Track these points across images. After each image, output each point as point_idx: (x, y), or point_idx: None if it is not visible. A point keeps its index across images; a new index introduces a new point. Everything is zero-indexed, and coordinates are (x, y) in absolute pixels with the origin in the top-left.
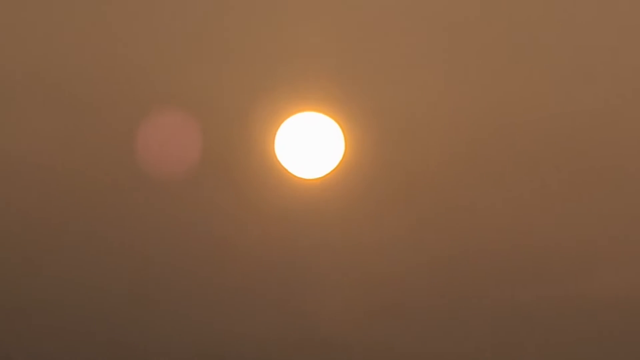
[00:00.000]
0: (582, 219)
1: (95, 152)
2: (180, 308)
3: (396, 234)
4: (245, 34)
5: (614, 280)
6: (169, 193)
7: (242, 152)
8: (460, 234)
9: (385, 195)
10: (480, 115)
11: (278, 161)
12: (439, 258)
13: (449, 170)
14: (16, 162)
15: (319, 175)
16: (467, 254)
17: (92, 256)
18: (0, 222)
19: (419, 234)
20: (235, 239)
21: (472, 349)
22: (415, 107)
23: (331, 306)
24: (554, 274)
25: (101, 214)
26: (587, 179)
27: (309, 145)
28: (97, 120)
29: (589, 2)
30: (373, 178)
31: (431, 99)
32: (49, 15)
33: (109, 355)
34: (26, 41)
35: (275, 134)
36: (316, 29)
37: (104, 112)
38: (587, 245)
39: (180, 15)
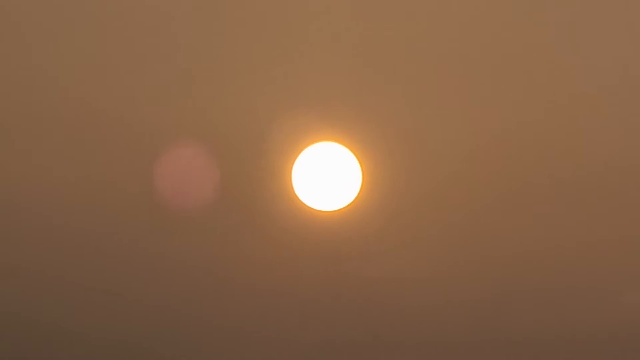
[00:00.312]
0: (596, 243)
1: (110, 190)
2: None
3: (416, 267)
4: (261, 65)
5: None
6: (187, 228)
7: (259, 184)
8: (481, 266)
9: (405, 227)
10: (496, 143)
11: (295, 194)
12: (459, 293)
13: (468, 200)
14: (32, 201)
15: (337, 208)
16: (488, 287)
17: (107, 298)
18: (16, 265)
19: (437, 269)
20: (254, 273)
21: None
22: (432, 137)
23: (350, 337)
24: (576, 302)
25: (119, 251)
26: (598, 207)
27: (327, 176)
28: (112, 158)
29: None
30: (391, 210)
31: (448, 129)
32: (61, 57)
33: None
34: (42, 82)
35: (292, 165)
36: (333, 59)
37: (118, 150)
38: (613, 269)
39: (195, 48)
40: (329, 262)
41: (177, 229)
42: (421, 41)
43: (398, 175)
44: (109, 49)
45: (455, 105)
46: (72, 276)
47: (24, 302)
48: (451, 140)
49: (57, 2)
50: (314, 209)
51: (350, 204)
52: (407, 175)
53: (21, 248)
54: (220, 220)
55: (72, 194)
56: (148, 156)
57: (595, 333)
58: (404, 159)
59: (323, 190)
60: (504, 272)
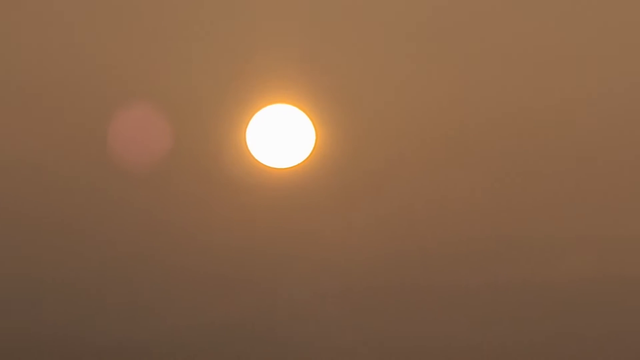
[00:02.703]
0: (542, 208)
1: (67, 148)
2: (153, 296)
3: (365, 224)
4: (216, 28)
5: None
6: (143, 186)
7: (214, 143)
8: (427, 225)
9: (355, 185)
10: (448, 111)
11: (249, 152)
12: (407, 247)
13: (417, 163)
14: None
15: (290, 165)
16: (434, 244)
17: (65, 246)
18: None
19: (387, 224)
20: (209, 227)
21: (440, 332)
22: (384, 101)
23: (295, 291)
24: (519, 259)
25: (76, 207)
26: (542, 171)
27: (281, 136)
28: (67, 117)
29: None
30: (343, 168)
31: (400, 94)
32: (19, 20)
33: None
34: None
35: (247, 125)
36: (289, 23)
37: (75, 110)
38: (551, 233)
39: (153, 13)
40: (282, 217)
41: (131, 188)
42: (380, 9)
43: (349, 135)
44: (68, 10)
45: (408, 72)
46: (23, 239)
47: None
48: (402, 103)
49: None
50: (267, 166)
51: (303, 162)
52: (358, 136)
53: None
54: (176, 179)
55: (26, 154)
56: (104, 117)
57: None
58: (356, 121)
59: (277, 149)
60: (456, 229)
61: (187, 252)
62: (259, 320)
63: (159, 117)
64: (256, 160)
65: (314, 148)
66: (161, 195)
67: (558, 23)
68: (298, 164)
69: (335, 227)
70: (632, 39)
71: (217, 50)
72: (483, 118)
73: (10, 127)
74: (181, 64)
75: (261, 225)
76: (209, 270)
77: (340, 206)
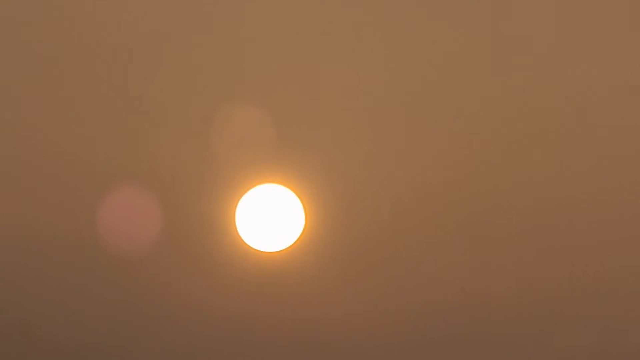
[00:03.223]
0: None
1: (54, 228)
2: None
3: (357, 307)
4: (206, 109)
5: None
6: (130, 269)
7: (202, 226)
8: (420, 307)
9: (346, 267)
10: (433, 190)
11: (239, 235)
12: (403, 330)
13: (408, 242)
14: None
15: (280, 249)
16: (428, 326)
17: (50, 328)
18: None
19: (380, 307)
20: (196, 313)
21: None
22: (373, 183)
23: None
24: (509, 336)
25: (61, 288)
26: (533, 244)
27: (270, 218)
28: (53, 198)
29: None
30: (334, 251)
31: (391, 173)
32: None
33: None
34: None
35: (236, 206)
36: (279, 104)
37: (59, 190)
38: (544, 310)
39: (140, 98)
40: (272, 301)
41: (118, 271)
42: (367, 85)
43: (340, 217)
44: (56, 91)
45: (397, 151)
46: (7, 313)
47: None
48: (390, 187)
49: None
50: (257, 250)
51: (292, 245)
52: (348, 218)
53: None
54: (163, 261)
55: (11, 230)
56: (91, 197)
57: None
58: (346, 203)
59: (266, 232)
60: (439, 314)
61: (171, 335)
62: None
63: (146, 200)
64: (246, 244)
65: (304, 228)
66: (147, 278)
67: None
68: (288, 247)
69: (329, 310)
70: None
71: (205, 132)
72: (467, 203)
73: None
74: (169, 145)
75: (249, 309)
76: (198, 351)
77: (332, 289)
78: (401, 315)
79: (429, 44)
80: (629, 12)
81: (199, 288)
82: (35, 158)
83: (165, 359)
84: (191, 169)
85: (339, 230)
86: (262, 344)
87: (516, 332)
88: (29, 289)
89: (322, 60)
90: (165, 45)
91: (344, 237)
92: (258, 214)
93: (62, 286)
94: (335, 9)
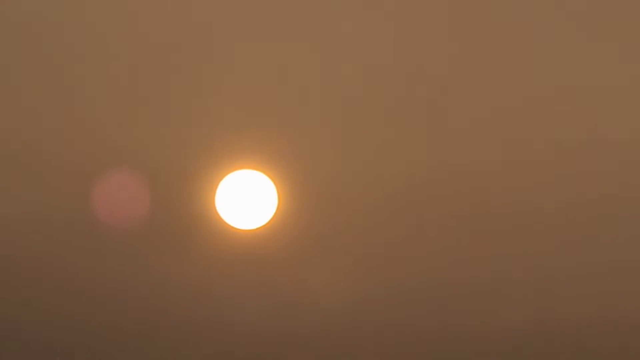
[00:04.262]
0: (487, 259)
1: (48, 212)
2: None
3: (324, 278)
4: (188, 103)
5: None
6: (120, 245)
7: (186, 206)
8: (384, 270)
9: (315, 242)
10: (400, 174)
11: (218, 214)
12: (366, 292)
13: (370, 220)
14: None
15: (255, 227)
16: (392, 289)
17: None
18: None
19: (344, 274)
20: (179, 282)
21: None
22: (340, 168)
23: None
24: (465, 304)
25: (57, 263)
26: (489, 226)
27: (246, 199)
28: (51, 183)
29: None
30: (303, 228)
31: (352, 160)
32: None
33: None
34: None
35: (216, 189)
36: (254, 100)
37: (57, 176)
38: (494, 282)
39: (129, 87)
40: (248, 272)
41: (110, 245)
42: (339, 78)
43: (308, 199)
44: (49, 86)
45: (360, 140)
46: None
47: None
48: (354, 168)
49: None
50: (235, 228)
51: (267, 223)
52: (317, 199)
53: None
54: (151, 237)
55: (16, 214)
56: (85, 182)
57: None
58: (314, 186)
59: (243, 212)
60: (402, 283)
61: (166, 300)
62: None
63: (134, 184)
64: (225, 222)
65: (277, 209)
66: (136, 251)
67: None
68: (263, 225)
69: (299, 279)
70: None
71: (189, 123)
72: (434, 176)
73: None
74: (157, 134)
75: (228, 279)
76: (183, 313)
77: (302, 261)
78: (367, 284)
79: (404, 35)
80: None
81: (183, 260)
82: (36, 151)
83: (151, 334)
84: (177, 157)
85: (308, 210)
86: (240, 305)
87: (473, 308)
88: (27, 263)
89: (299, 49)
90: (145, 39)
91: (312, 216)
92: (236, 196)
93: (53, 262)
94: None
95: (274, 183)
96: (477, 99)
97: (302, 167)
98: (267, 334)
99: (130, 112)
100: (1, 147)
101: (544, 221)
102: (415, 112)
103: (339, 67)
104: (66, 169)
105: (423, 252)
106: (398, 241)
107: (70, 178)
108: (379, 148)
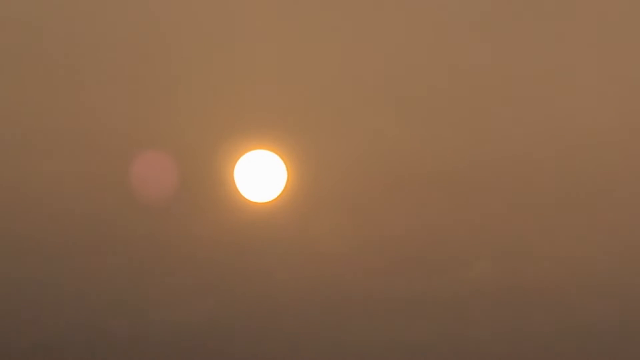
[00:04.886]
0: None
1: (95, 187)
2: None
3: (332, 244)
4: (212, 92)
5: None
6: (153, 216)
7: (208, 181)
8: (378, 242)
9: (321, 213)
10: (400, 152)
11: (237, 189)
12: (365, 262)
13: (368, 196)
14: (35, 197)
15: (268, 200)
16: (382, 257)
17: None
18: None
19: (348, 242)
20: (202, 245)
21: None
22: (342, 149)
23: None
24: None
25: (99, 232)
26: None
27: (261, 176)
28: (96, 161)
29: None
30: (310, 200)
31: (354, 143)
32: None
33: None
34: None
35: (234, 166)
36: (267, 89)
37: (100, 155)
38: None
39: (156, 79)
40: (262, 239)
41: (142, 214)
42: (337, 75)
43: (314, 175)
44: (84, 75)
45: (359, 122)
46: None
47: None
48: (355, 150)
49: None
50: (250, 200)
51: (277, 197)
52: (321, 175)
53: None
54: (178, 208)
55: (66, 187)
56: (124, 162)
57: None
58: (324, 163)
59: (258, 186)
60: (395, 245)
61: (184, 269)
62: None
63: (165, 161)
64: (242, 195)
65: (286, 184)
66: (167, 222)
67: None
68: (274, 198)
69: (304, 243)
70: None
71: (213, 109)
72: (433, 155)
73: (52, 169)
74: (184, 122)
75: (244, 243)
76: (203, 266)
77: (310, 230)
78: (362, 249)
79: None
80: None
81: (205, 226)
82: (78, 134)
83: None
84: (200, 139)
85: (314, 185)
86: (251, 265)
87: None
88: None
89: (308, 39)
90: (172, 35)
91: (318, 190)
92: (251, 173)
93: (99, 229)
94: None
95: (284, 161)
96: (472, 97)
97: (307, 149)
98: (281, 281)
99: (158, 104)
100: (58, 135)
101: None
102: (417, 100)
103: (345, 54)
104: (105, 146)
105: (421, 224)
106: (396, 218)
107: (107, 156)
108: (377, 129)
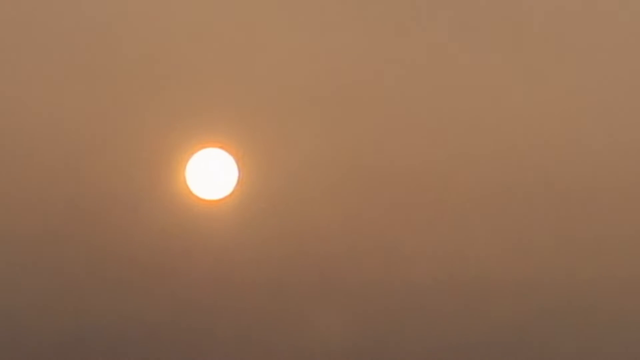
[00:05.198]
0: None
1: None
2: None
3: (274, 240)
4: (165, 93)
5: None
6: (109, 210)
7: (157, 179)
8: (321, 233)
9: (270, 210)
10: (343, 154)
11: (188, 187)
12: (299, 249)
13: (315, 191)
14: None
15: (219, 197)
16: (325, 249)
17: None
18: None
19: (289, 235)
20: (158, 245)
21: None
22: (292, 147)
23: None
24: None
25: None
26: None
27: (212, 174)
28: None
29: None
30: (261, 198)
31: (303, 140)
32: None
33: None
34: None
35: (186, 165)
36: (218, 88)
37: (53, 153)
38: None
39: (109, 77)
40: (212, 235)
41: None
42: (295, 68)
43: (265, 173)
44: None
45: (309, 122)
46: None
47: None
48: (305, 147)
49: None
50: (201, 198)
51: (229, 195)
52: (272, 173)
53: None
54: (126, 205)
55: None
56: (75, 157)
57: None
58: (275, 161)
59: (209, 184)
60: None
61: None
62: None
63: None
64: (193, 193)
65: (238, 182)
66: (114, 217)
67: None
68: (226, 196)
69: (253, 239)
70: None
71: (165, 108)
72: (382, 156)
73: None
74: (137, 121)
75: (193, 241)
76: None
77: (258, 228)
78: (305, 237)
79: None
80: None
81: (155, 227)
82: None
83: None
84: (151, 138)
85: (265, 183)
86: (199, 265)
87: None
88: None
89: (262, 40)
90: (125, 33)
91: (268, 188)
92: (202, 171)
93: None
94: None
95: (235, 159)
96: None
97: (259, 146)
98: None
99: (110, 103)
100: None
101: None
102: (368, 98)
103: (297, 54)
104: (60, 148)
105: (377, 220)
106: (338, 211)
107: (70, 157)
108: (328, 134)
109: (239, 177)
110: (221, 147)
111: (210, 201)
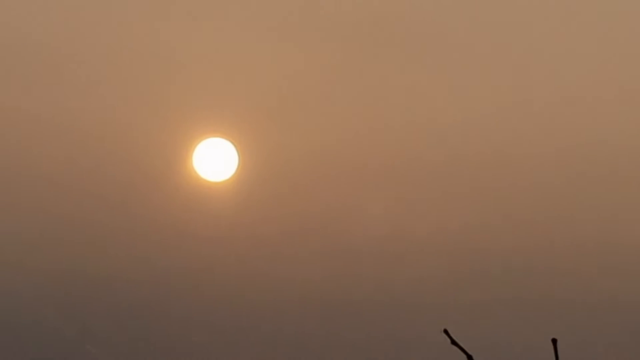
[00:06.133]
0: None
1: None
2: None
3: (268, 216)
4: (171, 88)
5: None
6: (120, 194)
7: (169, 164)
8: (307, 225)
9: (268, 192)
10: (336, 143)
11: (195, 170)
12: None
13: (309, 178)
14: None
15: (222, 179)
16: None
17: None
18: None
19: (292, 222)
20: (166, 223)
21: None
22: (285, 137)
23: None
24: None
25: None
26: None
27: (216, 158)
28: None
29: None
30: (259, 181)
31: (294, 131)
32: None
33: None
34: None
35: (193, 152)
36: (221, 87)
37: (74, 144)
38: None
39: (115, 71)
40: (215, 213)
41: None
42: (294, 64)
43: (263, 158)
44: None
45: (299, 116)
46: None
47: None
48: (298, 139)
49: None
50: (206, 180)
51: (230, 177)
52: (271, 159)
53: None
54: (145, 186)
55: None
56: (93, 148)
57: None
58: (270, 149)
59: (212, 169)
60: (326, 224)
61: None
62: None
63: (132, 149)
64: (200, 176)
65: (238, 166)
66: (141, 199)
67: None
68: (228, 178)
69: (251, 215)
70: None
71: (172, 102)
72: (367, 142)
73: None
74: (152, 118)
75: (199, 220)
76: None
77: (257, 207)
78: (302, 227)
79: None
80: None
81: (168, 207)
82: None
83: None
84: (160, 129)
85: (261, 168)
86: (207, 238)
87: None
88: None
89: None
90: (139, 32)
91: (264, 172)
92: (207, 157)
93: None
94: None
95: (236, 147)
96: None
97: (256, 136)
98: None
99: (120, 98)
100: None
101: None
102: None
103: (292, 57)
104: (81, 140)
105: (344, 214)
106: (335, 199)
107: (84, 147)
108: (323, 124)
109: (238, 162)
110: (223, 137)
111: (214, 182)
